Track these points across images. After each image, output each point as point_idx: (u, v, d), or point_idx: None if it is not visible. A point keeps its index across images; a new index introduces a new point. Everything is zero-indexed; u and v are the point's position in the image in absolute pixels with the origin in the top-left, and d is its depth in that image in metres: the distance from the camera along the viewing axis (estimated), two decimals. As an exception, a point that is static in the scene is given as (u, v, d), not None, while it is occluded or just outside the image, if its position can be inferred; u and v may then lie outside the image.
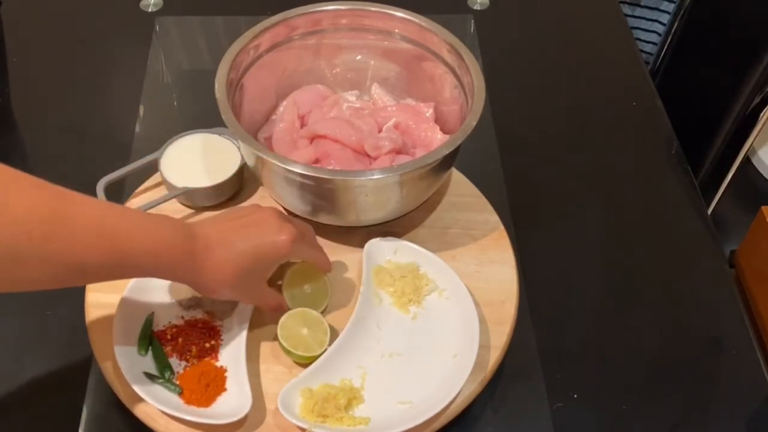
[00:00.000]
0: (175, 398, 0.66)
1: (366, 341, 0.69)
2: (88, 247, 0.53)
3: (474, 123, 0.70)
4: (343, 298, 0.74)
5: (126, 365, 0.66)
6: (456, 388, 0.64)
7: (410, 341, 0.70)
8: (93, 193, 0.78)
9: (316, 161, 0.77)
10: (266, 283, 0.67)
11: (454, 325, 0.70)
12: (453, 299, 0.72)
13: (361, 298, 0.70)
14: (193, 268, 0.60)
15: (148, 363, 0.68)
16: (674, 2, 1.35)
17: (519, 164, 0.93)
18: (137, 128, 0.95)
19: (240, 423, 0.64)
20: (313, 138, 0.79)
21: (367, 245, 0.74)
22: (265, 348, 0.70)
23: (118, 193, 0.84)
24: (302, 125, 0.83)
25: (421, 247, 0.74)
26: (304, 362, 0.69)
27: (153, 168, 0.82)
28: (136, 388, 0.64)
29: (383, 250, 0.75)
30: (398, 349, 0.69)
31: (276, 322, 0.68)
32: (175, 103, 1.02)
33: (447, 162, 0.74)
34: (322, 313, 0.72)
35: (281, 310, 0.70)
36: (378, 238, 0.75)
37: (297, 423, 0.62)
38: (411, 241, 0.76)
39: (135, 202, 0.82)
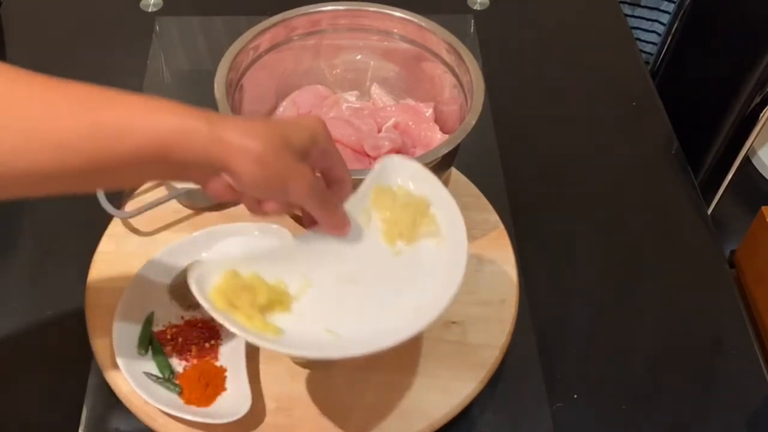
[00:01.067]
0: (174, 398, 0.66)
1: (329, 255, 0.60)
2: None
3: (473, 122, 0.70)
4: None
5: (126, 365, 0.66)
6: (390, 341, 0.54)
7: (378, 276, 0.60)
8: (93, 196, 0.78)
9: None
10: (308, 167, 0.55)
11: (433, 280, 0.59)
12: (448, 256, 0.60)
13: (349, 208, 0.60)
14: (211, 130, 0.50)
15: (148, 363, 0.68)
16: (674, 2, 1.35)
17: (519, 164, 0.93)
18: (137, 128, 0.95)
19: (239, 423, 0.64)
20: (313, 138, 0.79)
21: (385, 159, 0.62)
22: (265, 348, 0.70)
23: (118, 193, 0.84)
24: (302, 125, 0.83)
25: (445, 187, 0.62)
26: (302, 362, 0.69)
27: (153, 168, 0.82)
28: (136, 388, 0.64)
29: (400, 171, 0.63)
30: (360, 278, 0.59)
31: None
32: (175, 104, 1.02)
33: (446, 161, 0.74)
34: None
35: (339, 219, 0.59)
36: (400, 157, 0.63)
37: (201, 301, 0.54)
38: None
39: (135, 203, 0.82)
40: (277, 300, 0.56)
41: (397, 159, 0.63)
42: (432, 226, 0.61)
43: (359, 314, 0.57)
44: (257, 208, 0.56)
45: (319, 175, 0.58)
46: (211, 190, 0.54)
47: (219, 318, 0.53)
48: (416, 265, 0.60)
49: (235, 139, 0.51)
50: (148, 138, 0.49)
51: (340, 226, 0.59)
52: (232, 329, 0.52)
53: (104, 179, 0.53)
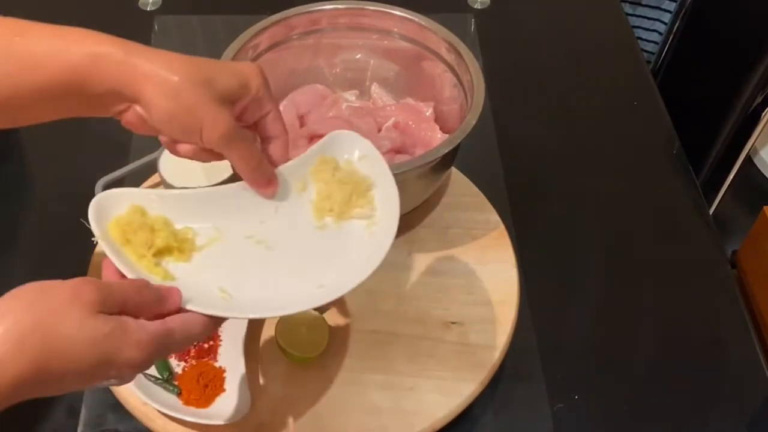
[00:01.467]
0: (173, 399, 0.66)
1: (248, 213, 0.57)
2: None
3: (474, 122, 0.70)
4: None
5: (124, 366, 0.65)
6: (274, 312, 0.54)
7: (293, 245, 0.57)
8: (92, 195, 0.77)
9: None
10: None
11: (348, 262, 0.56)
12: (372, 243, 0.57)
13: (285, 171, 0.58)
14: (126, 57, 0.49)
15: (147, 364, 0.67)
16: (676, 1, 1.35)
17: (519, 163, 0.92)
18: (136, 128, 0.95)
19: (239, 424, 0.64)
20: (313, 138, 0.79)
21: (337, 132, 0.60)
22: (264, 348, 0.70)
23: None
24: (301, 125, 0.82)
25: (392, 175, 0.59)
26: (302, 362, 0.68)
27: (152, 168, 0.82)
28: (135, 389, 0.64)
29: (350, 146, 0.60)
30: (274, 243, 0.57)
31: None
32: (175, 103, 1.02)
33: (447, 161, 0.74)
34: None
35: (260, 175, 0.56)
36: (354, 134, 0.61)
37: (93, 227, 0.52)
38: (410, 240, 0.75)
39: (134, 202, 0.81)
40: (177, 247, 0.54)
41: (350, 134, 0.61)
42: (366, 208, 0.59)
43: (259, 279, 0.55)
44: (173, 148, 0.54)
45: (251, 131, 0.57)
46: (125, 122, 0.52)
47: (105, 247, 0.50)
48: (337, 244, 0.58)
49: (148, 68, 0.49)
50: (61, 67, 0.49)
51: (260, 183, 0.56)
52: (116, 263, 0.50)
53: (21, 113, 0.52)
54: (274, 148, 0.57)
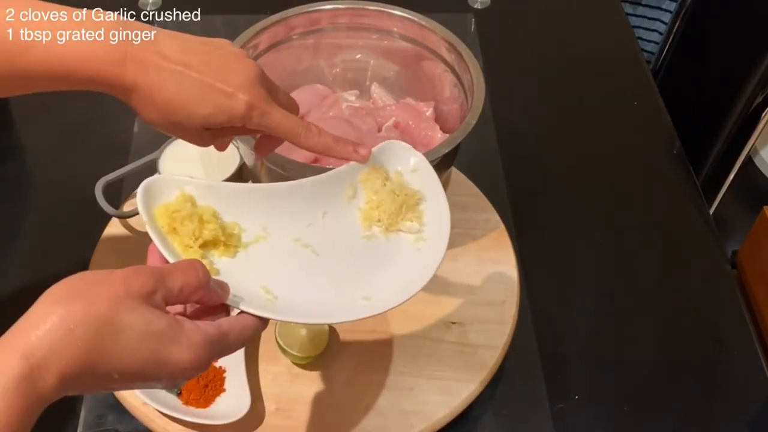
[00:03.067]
0: (173, 399, 0.65)
1: (297, 215, 0.56)
2: None
3: (474, 122, 0.70)
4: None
5: (124, 366, 0.65)
6: (318, 320, 0.54)
7: (339, 253, 0.56)
8: (92, 195, 0.78)
9: (316, 161, 0.77)
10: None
11: (393, 277, 0.55)
12: (420, 259, 0.56)
13: (335, 176, 0.58)
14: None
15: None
16: (676, 1, 1.35)
17: (519, 163, 0.92)
18: (136, 128, 0.95)
19: (239, 424, 0.63)
20: (313, 137, 0.79)
21: (390, 142, 0.59)
22: (264, 348, 0.70)
23: (117, 193, 0.83)
24: (301, 125, 0.82)
25: (443, 190, 0.58)
26: (300, 363, 0.68)
27: (152, 168, 0.82)
28: (135, 389, 0.64)
29: (402, 158, 0.59)
30: (320, 248, 0.56)
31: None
32: (175, 103, 1.02)
33: (447, 161, 0.74)
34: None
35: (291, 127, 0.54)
36: (407, 146, 0.59)
37: (142, 212, 0.50)
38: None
39: (134, 202, 0.81)
40: (224, 241, 0.53)
41: (403, 146, 0.59)
42: (415, 223, 0.58)
43: (302, 283, 0.53)
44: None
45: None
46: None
47: (152, 235, 0.49)
48: (383, 256, 0.57)
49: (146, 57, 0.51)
50: (49, 57, 0.50)
51: (295, 134, 0.55)
52: (163, 251, 0.48)
53: (18, 86, 0.53)
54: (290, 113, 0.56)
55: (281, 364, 0.69)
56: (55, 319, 0.39)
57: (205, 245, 0.52)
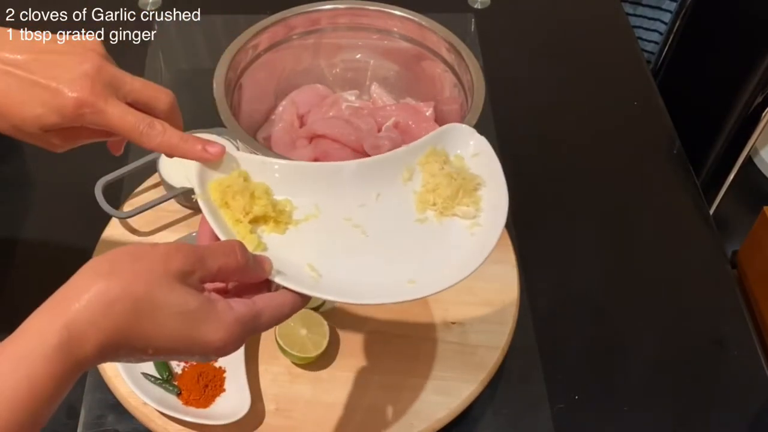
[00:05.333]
0: (173, 399, 0.65)
1: (350, 194, 0.56)
2: None
3: (474, 122, 0.69)
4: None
5: (124, 366, 0.65)
6: (363, 300, 0.52)
7: (390, 234, 0.55)
8: (92, 195, 0.78)
9: (316, 161, 0.77)
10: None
11: (443, 261, 0.54)
12: (472, 245, 0.54)
13: (393, 157, 0.57)
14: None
15: (147, 364, 0.67)
16: (676, 1, 1.35)
17: (519, 163, 0.92)
18: (136, 128, 0.95)
19: (238, 424, 0.63)
20: (312, 138, 0.79)
21: (453, 125, 0.58)
22: (264, 348, 0.70)
23: (117, 193, 0.83)
24: (301, 125, 0.82)
25: (503, 176, 0.56)
26: (300, 363, 0.68)
27: (152, 168, 0.82)
28: (135, 389, 0.64)
29: (462, 141, 0.58)
30: (371, 229, 0.55)
31: None
32: (175, 103, 1.02)
33: (447, 161, 0.73)
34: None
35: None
36: (470, 128, 0.58)
37: (195, 186, 0.51)
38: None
39: (133, 203, 0.81)
40: (274, 217, 0.53)
41: (465, 129, 0.58)
42: (471, 208, 0.56)
43: (351, 263, 0.53)
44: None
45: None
46: None
47: (203, 207, 0.50)
48: (435, 240, 0.55)
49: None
50: None
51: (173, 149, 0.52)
52: (212, 224, 0.49)
53: None
54: (155, 107, 0.52)
55: (281, 364, 0.69)
56: (95, 293, 0.40)
57: (256, 220, 0.52)
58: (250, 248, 0.49)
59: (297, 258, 0.51)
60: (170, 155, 0.53)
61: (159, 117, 0.52)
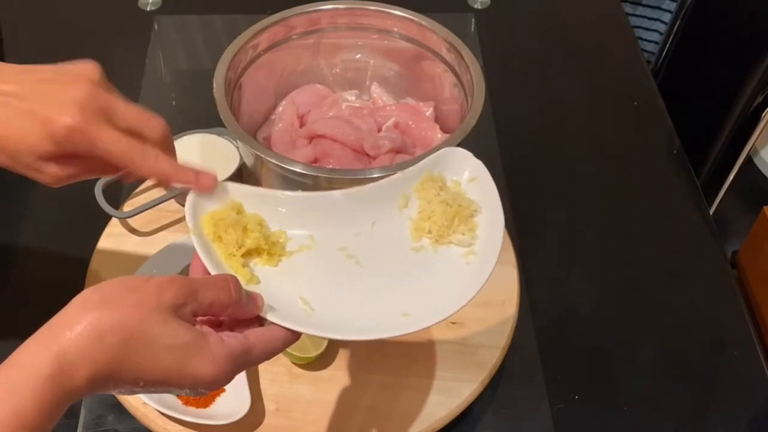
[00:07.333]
0: (173, 399, 0.65)
1: (344, 224, 0.55)
2: None
3: (474, 122, 0.69)
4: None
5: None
6: (352, 336, 0.51)
7: (384, 265, 0.55)
8: (92, 195, 0.78)
9: (316, 161, 0.77)
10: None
11: (438, 293, 0.53)
12: (468, 274, 0.54)
13: (389, 184, 0.56)
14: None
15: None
16: (676, 1, 1.35)
17: (519, 163, 0.92)
18: (136, 128, 0.95)
19: (238, 424, 0.63)
20: (312, 137, 0.79)
21: (450, 149, 0.57)
22: (264, 349, 0.70)
23: (117, 193, 0.83)
24: (301, 125, 0.82)
25: (500, 201, 0.55)
26: (300, 363, 0.68)
27: (151, 168, 0.81)
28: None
29: (459, 165, 0.57)
30: (365, 260, 0.54)
31: None
32: (174, 103, 1.02)
33: (447, 161, 0.73)
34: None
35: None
36: (466, 152, 0.57)
37: (188, 220, 0.50)
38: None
39: (133, 203, 0.81)
40: (267, 250, 0.53)
41: (462, 153, 0.57)
42: (467, 236, 0.55)
43: (344, 295, 0.52)
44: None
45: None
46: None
47: (195, 242, 0.49)
48: (431, 269, 0.55)
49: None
50: None
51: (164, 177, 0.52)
52: (204, 259, 0.49)
53: None
54: (151, 134, 0.52)
55: (281, 364, 0.69)
56: (88, 324, 0.40)
57: (249, 253, 0.52)
58: (242, 282, 0.48)
59: (290, 290, 0.51)
60: (163, 184, 0.53)
61: (153, 144, 0.52)
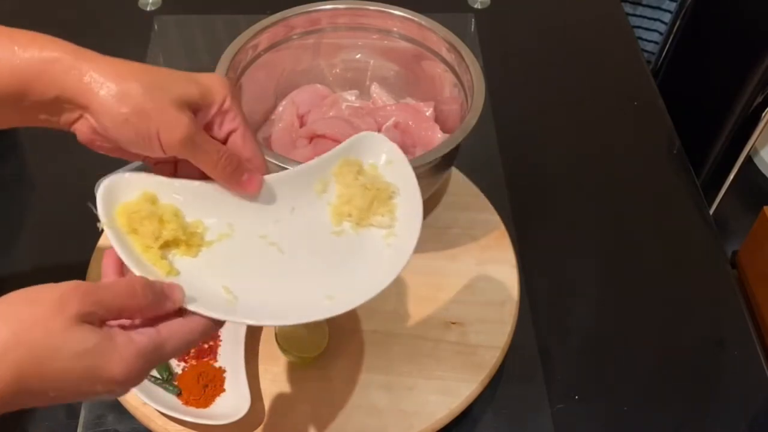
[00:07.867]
0: (173, 399, 0.65)
1: (263, 209, 0.55)
2: None
3: (474, 122, 0.70)
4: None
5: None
6: (274, 321, 0.52)
7: (306, 250, 0.55)
8: (92, 195, 0.77)
9: (315, 160, 0.77)
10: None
11: (361, 274, 0.53)
12: (389, 255, 0.54)
13: (305, 169, 0.56)
14: (74, 61, 0.46)
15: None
16: (676, 1, 1.35)
17: (519, 163, 0.92)
18: (136, 128, 0.95)
19: (239, 424, 0.63)
20: (312, 138, 0.79)
21: (365, 134, 0.58)
22: (264, 348, 0.70)
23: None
24: (301, 125, 0.82)
25: (417, 182, 0.56)
26: (301, 363, 0.68)
27: (151, 168, 0.81)
28: (135, 390, 0.64)
29: (377, 149, 0.57)
30: (286, 246, 0.54)
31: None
32: (175, 103, 1.02)
33: (447, 161, 0.74)
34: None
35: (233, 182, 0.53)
36: (382, 136, 0.58)
37: (100, 213, 0.49)
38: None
39: (133, 202, 0.81)
40: (186, 240, 0.51)
41: (377, 137, 0.57)
42: (387, 217, 0.56)
43: (267, 283, 0.52)
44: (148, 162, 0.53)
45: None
46: (79, 135, 0.51)
47: (110, 235, 0.48)
48: (353, 252, 0.55)
49: (98, 74, 0.47)
50: (6, 72, 0.47)
51: (242, 185, 0.53)
52: (120, 253, 0.48)
53: None
54: (249, 165, 0.53)
55: (281, 364, 0.69)
56: None
57: (167, 245, 0.51)
58: (161, 274, 0.48)
59: (212, 281, 0.50)
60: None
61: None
